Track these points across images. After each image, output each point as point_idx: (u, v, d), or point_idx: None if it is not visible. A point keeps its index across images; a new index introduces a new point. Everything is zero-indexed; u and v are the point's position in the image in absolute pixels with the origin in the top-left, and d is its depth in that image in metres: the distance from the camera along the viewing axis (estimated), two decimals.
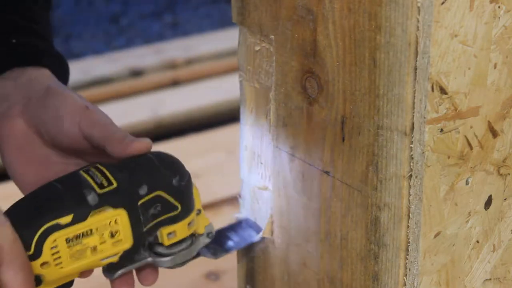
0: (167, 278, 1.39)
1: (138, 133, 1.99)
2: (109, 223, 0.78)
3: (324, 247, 0.82)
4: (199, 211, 0.84)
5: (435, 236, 0.75)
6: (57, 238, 0.75)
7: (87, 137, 0.82)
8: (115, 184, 0.78)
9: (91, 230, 0.77)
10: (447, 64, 0.70)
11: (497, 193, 0.78)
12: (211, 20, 3.29)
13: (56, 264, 0.76)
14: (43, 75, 0.88)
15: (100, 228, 0.77)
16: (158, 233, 0.81)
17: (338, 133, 0.77)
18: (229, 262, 1.32)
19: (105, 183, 0.78)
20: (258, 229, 0.88)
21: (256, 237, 0.88)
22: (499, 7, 0.71)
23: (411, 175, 0.72)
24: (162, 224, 0.80)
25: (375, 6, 0.70)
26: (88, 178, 0.78)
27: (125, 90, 2.34)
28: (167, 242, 0.81)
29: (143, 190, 0.79)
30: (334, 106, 0.76)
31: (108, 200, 0.77)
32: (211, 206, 1.64)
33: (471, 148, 0.74)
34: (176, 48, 2.65)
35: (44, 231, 0.75)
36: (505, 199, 0.79)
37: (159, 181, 0.80)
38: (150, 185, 0.79)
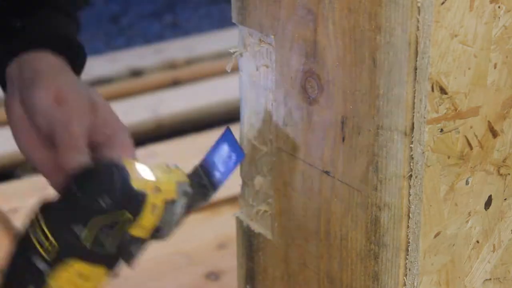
0: (167, 278, 1.39)
1: (138, 133, 1.99)
2: (73, 273, 0.79)
3: (324, 247, 0.82)
4: (157, 189, 0.80)
5: (435, 236, 0.75)
6: None
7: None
8: (56, 244, 0.78)
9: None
10: (447, 64, 0.70)
11: (497, 193, 0.78)
12: (211, 20, 3.29)
13: None
14: (40, 59, 0.88)
15: (69, 279, 0.79)
16: (129, 239, 0.80)
17: (338, 133, 0.77)
18: (229, 262, 1.32)
19: (48, 245, 0.78)
20: (238, 151, 0.84)
21: (240, 160, 0.84)
22: (499, 7, 0.71)
23: (411, 175, 0.72)
24: (125, 236, 0.79)
25: (375, 6, 0.70)
26: (35, 242, 0.79)
27: (125, 90, 2.34)
28: (146, 234, 0.80)
29: (83, 233, 0.78)
30: (334, 106, 0.76)
31: (57, 261, 0.78)
32: (211, 206, 1.64)
33: (471, 148, 0.74)
34: (176, 48, 2.65)
35: None
36: (505, 199, 0.79)
37: (89, 212, 0.78)
38: (85, 223, 0.78)
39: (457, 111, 0.72)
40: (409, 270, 0.75)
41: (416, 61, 0.69)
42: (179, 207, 0.82)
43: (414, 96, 0.70)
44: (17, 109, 0.85)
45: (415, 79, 0.69)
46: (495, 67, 0.73)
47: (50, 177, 0.83)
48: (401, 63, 0.69)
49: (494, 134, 0.75)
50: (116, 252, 0.80)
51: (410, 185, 0.72)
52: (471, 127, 0.73)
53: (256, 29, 0.83)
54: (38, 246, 0.78)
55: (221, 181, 0.84)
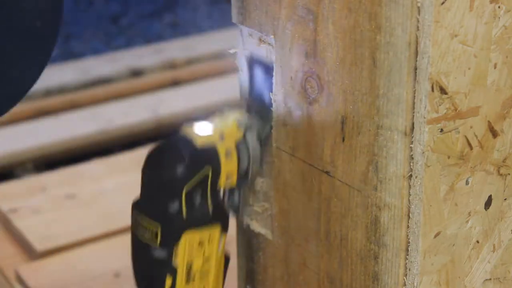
0: None
1: (138, 133, 1.98)
2: (191, 245, 0.81)
3: (324, 247, 0.82)
4: (221, 136, 0.83)
5: (435, 236, 0.75)
6: None
7: None
8: (158, 227, 0.80)
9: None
10: (447, 64, 0.70)
11: (497, 193, 0.78)
12: (211, 20, 3.29)
13: None
14: None
15: (191, 252, 0.82)
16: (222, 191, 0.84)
17: (338, 133, 0.77)
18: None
19: (154, 235, 0.81)
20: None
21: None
22: (499, 7, 0.71)
23: (411, 175, 0.72)
24: (217, 190, 0.83)
25: (375, 6, 0.70)
26: (144, 239, 0.82)
27: (125, 90, 2.34)
28: (234, 181, 0.84)
29: (174, 205, 0.80)
30: (334, 106, 0.76)
31: (170, 243, 0.81)
32: None
33: (471, 148, 0.74)
34: (176, 48, 2.65)
35: None
36: (505, 199, 0.79)
37: (174, 186, 0.80)
38: (174, 196, 0.80)
39: (457, 111, 0.72)
40: (409, 270, 0.75)
41: (416, 61, 0.69)
42: (250, 141, 0.84)
43: (414, 96, 0.70)
44: None
45: (415, 79, 0.69)
46: (495, 67, 0.73)
47: None
48: (401, 63, 0.69)
49: (494, 134, 0.75)
50: (216, 207, 0.82)
51: (410, 185, 0.72)
52: (471, 127, 0.73)
53: (256, 29, 0.83)
54: (147, 240, 0.81)
55: (270, 99, 0.85)
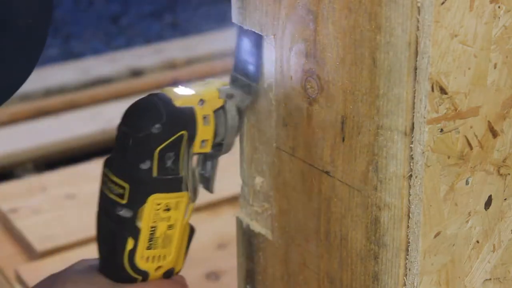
0: None
1: None
2: (157, 208, 0.80)
3: (324, 247, 0.82)
4: (201, 101, 0.81)
5: (435, 236, 0.75)
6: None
7: None
8: (127, 186, 0.79)
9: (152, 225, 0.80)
10: (447, 64, 0.70)
11: (497, 193, 0.78)
12: (211, 20, 3.29)
13: None
14: None
15: (156, 215, 0.80)
16: (194, 157, 0.82)
17: (338, 133, 0.77)
18: (229, 262, 1.32)
19: (122, 191, 0.79)
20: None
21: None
22: (499, 7, 0.71)
23: (411, 175, 0.72)
24: (190, 155, 0.81)
25: (375, 6, 0.70)
26: (111, 195, 0.80)
27: (125, 90, 2.34)
28: (209, 148, 0.82)
29: (150, 166, 0.78)
30: (334, 106, 0.76)
31: (136, 202, 0.79)
32: (211, 206, 1.64)
33: (471, 148, 0.74)
34: (176, 48, 2.65)
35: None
36: (505, 199, 0.79)
37: (148, 145, 0.79)
38: (147, 155, 0.78)
39: (457, 111, 0.72)
40: (409, 270, 0.75)
41: (416, 61, 0.69)
42: (230, 111, 0.83)
43: (414, 96, 0.70)
44: None
45: (415, 79, 0.69)
46: (495, 67, 0.73)
47: None
48: (401, 63, 0.69)
49: (494, 134, 0.75)
50: (187, 174, 0.81)
51: (410, 185, 0.72)
52: (471, 127, 0.73)
53: (256, 29, 0.83)
54: (114, 197, 0.80)
55: (258, 71, 0.84)
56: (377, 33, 0.70)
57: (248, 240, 0.92)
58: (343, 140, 0.76)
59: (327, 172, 0.79)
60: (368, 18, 0.71)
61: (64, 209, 1.65)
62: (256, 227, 0.90)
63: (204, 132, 0.81)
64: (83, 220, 1.57)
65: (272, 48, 0.82)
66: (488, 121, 0.74)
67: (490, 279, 0.81)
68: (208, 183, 0.85)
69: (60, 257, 1.48)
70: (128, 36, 3.28)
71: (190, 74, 2.45)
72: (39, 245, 1.50)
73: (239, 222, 0.92)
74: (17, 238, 1.55)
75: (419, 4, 0.67)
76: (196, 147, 0.81)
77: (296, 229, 0.85)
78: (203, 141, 0.81)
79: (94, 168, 1.82)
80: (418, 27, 0.68)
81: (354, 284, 0.80)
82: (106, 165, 0.81)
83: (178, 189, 0.81)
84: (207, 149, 0.82)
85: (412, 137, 0.71)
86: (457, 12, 0.68)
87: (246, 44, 0.85)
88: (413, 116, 0.70)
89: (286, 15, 0.79)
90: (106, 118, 2.07)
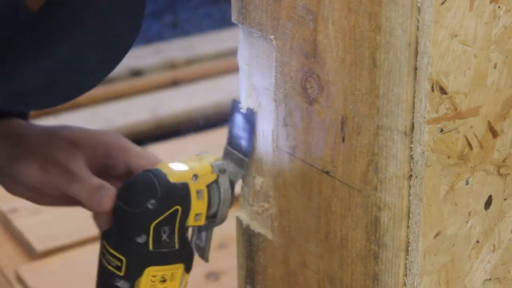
0: None
1: (138, 133, 1.98)
2: (153, 280, 0.83)
3: (324, 247, 0.82)
4: (195, 176, 0.84)
5: (435, 236, 0.75)
6: None
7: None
8: (124, 259, 0.82)
9: None
10: (447, 64, 0.70)
11: (497, 193, 0.78)
12: (211, 20, 3.28)
13: None
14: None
15: (152, 286, 0.83)
16: (189, 231, 0.85)
17: (338, 133, 0.77)
18: (229, 262, 1.32)
19: (119, 264, 0.82)
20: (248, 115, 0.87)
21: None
22: (499, 7, 0.71)
23: (411, 175, 0.72)
24: (184, 229, 0.84)
25: (375, 6, 0.70)
26: (109, 267, 0.83)
27: (125, 90, 2.34)
28: (202, 222, 0.85)
29: (146, 240, 0.82)
30: (334, 106, 0.76)
31: (133, 274, 0.82)
32: None
33: (471, 148, 0.74)
34: (176, 48, 2.65)
35: None
36: (505, 199, 0.79)
37: (144, 220, 0.82)
38: (142, 229, 0.82)
39: (457, 111, 0.72)
40: (409, 270, 0.75)
41: (416, 61, 0.69)
42: (222, 185, 0.86)
43: (414, 96, 0.70)
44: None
45: (415, 79, 0.69)
46: (495, 67, 0.73)
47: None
48: (401, 63, 0.69)
49: (494, 134, 0.75)
50: (182, 247, 0.84)
51: (410, 185, 0.72)
52: (471, 127, 0.73)
53: (256, 29, 0.83)
54: (112, 269, 0.83)
55: (249, 146, 0.87)
56: (377, 33, 0.70)
57: (248, 240, 0.92)
58: (343, 140, 0.76)
59: (327, 172, 0.79)
60: (368, 18, 0.71)
61: (64, 209, 1.64)
62: (256, 227, 0.90)
63: (198, 206, 0.84)
64: (83, 220, 1.57)
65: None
66: (488, 121, 0.74)
67: (490, 279, 0.81)
68: (203, 252, 0.88)
69: (60, 257, 1.48)
70: None
71: (190, 74, 2.45)
72: (39, 245, 1.50)
73: (239, 222, 0.92)
74: (17, 238, 1.55)
75: (419, 4, 0.67)
76: (191, 221, 0.84)
77: (296, 229, 0.85)
78: (197, 214, 0.84)
79: None
80: (418, 27, 0.68)
81: (354, 284, 0.80)
82: (104, 237, 0.84)
83: (173, 262, 0.84)
84: (201, 222, 0.85)
85: (412, 137, 0.71)
86: (457, 12, 0.68)
87: (239, 119, 0.87)
88: (413, 116, 0.70)
89: (286, 15, 0.79)
90: (106, 118, 2.07)
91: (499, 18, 0.71)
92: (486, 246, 0.79)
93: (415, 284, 0.75)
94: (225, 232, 1.47)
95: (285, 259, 0.87)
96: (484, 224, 0.78)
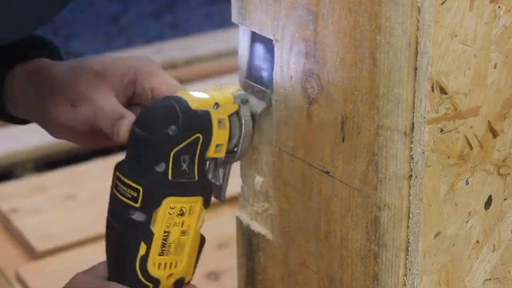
0: None
1: None
2: (171, 212, 0.78)
3: (324, 247, 0.82)
4: (216, 104, 0.80)
5: (435, 236, 0.75)
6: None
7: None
8: (140, 188, 0.78)
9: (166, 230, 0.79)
10: (447, 64, 0.70)
11: (497, 193, 0.78)
12: (211, 20, 3.28)
13: None
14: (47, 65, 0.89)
15: (169, 220, 0.79)
16: (207, 161, 0.81)
17: (338, 133, 0.77)
18: (229, 262, 1.32)
19: (136, 194, 0.78)
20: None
21: None
22: (499, 7, 0.71)
23: (411, 175, 0.72)
24: (204, 159, 0.80)
25: (375, 6, 0.70)
26: (123, 198, 0.78)
27: None
28: (223, 153, 0.81)
29: (160, 167, 0.77)
30: (334, 106, 0.76)
31: (150, 206, 0.78)
32: (211, 206, 1.64)
33: (471, 148, 0.74)
34: (176, 48, 2.65)
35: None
36: (505, 199, 0.79)
37: (164, 147, 0.77)
38: (162, 157, 0.77)
39: (457, 111, 0.72)
40: (409, 270, 0.75)
41: (416, 61, 0.69)
42: (244, 117, 0.83)
43: (414, 96, 0.70)
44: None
45: (415, 79, 0.69)
46: (495, 67, 0.73)
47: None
48: (401, 63, 0.69)
49: (494, 134, 0.75)
50: (201, 178, 0.80)
51: (410, 185, 0.72)
52: (471, 127, 0.73)
53: (256, 29, 0.83)
54: (127, 201, 0.78)
55: (271, 77, 0.84)
56: (377, 33, 0.70)
57: (248, 240, 0.92)
58: (343, 140, 0.76)
59: (327, 172, 0.79)
60: (368, 18, 0.71)
61: (64, 209, 1.65)
62: (256, 227, 0.90)
63: (219, 136, 0.80)
64: (83, 220, 1.57)
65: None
66: (488, 121, 0.74)
67: (490, 279, 0.81)
68: (219, 191, 0.84)
69: (60, 257, 1.48)
70: (128, 36, 3.28)
71: (190, 74, 2.45)
72: (39, 245, 1.50)
73: (239, 222, 0.92)
74: (17, 238, 1.55)
75: (419, 4, 0.67)
76: (211, 151, 0.80)
77: (296, 229, 0.85)
78: (217, 145, 0.80)
79: (95, 168, 1.82)
80: (418, 27, 0.68)
81: (354, 284, 0.80)
82: (118, 168, 0.80)
83: (193, 194, 0.80)
84: (222, 154, 0.81)
85: (412, 137, 0.71)
86: (457, 12, 0.68)
87: (260, 50, 0.85)
88: (413, 116, 0.70)
89: (286, 15, 0.79)
90: None
91: (499, 18, 0.71)
92: (486, 246, 0.79)
93: (415, 284, 0.75)
94: (225, 232, 1.47)
95: (285, 259, 0.87)
96: (484, 224, 0.78)
